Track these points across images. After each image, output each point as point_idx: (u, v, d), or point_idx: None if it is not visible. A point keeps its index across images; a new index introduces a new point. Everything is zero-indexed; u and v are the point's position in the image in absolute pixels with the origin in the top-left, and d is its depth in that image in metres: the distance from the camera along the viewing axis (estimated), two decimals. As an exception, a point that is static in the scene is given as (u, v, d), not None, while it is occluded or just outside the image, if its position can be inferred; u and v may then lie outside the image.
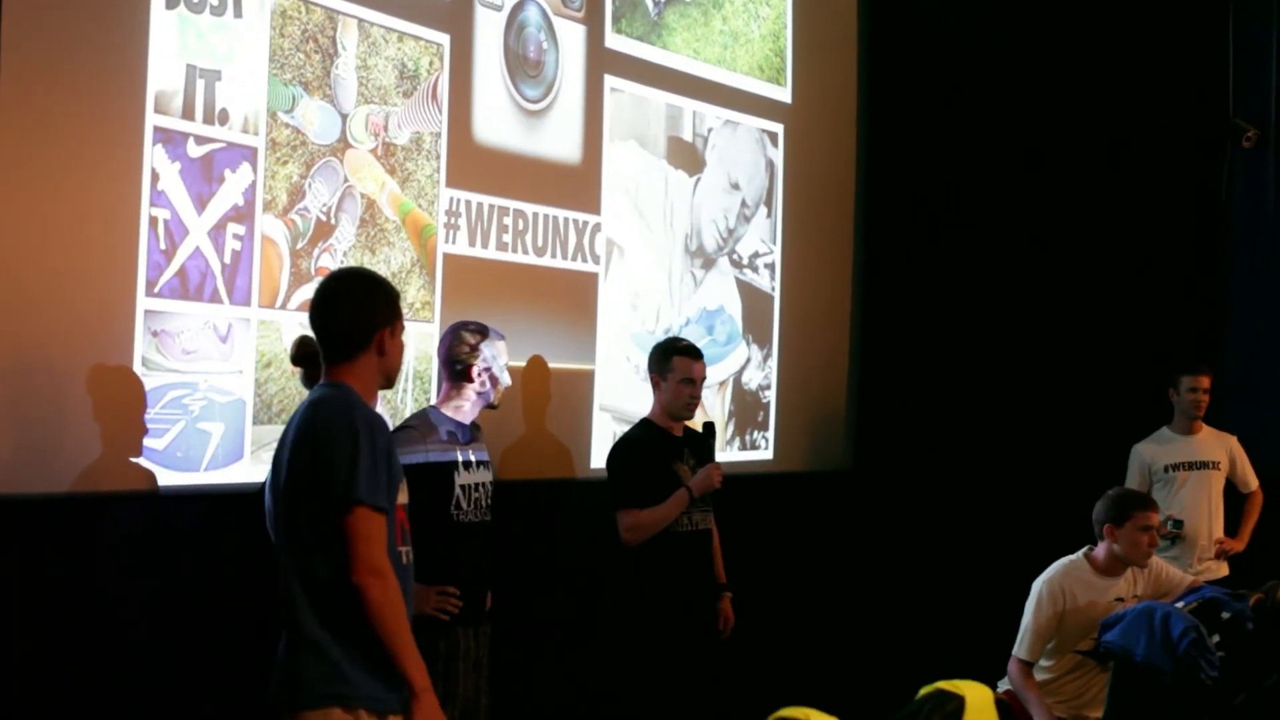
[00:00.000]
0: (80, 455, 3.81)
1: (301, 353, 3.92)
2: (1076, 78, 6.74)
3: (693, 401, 4.62)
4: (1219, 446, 5.82)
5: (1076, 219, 6.75)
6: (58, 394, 3.77)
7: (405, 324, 3.11)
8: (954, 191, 6.95)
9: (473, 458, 4.10)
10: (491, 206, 5.04)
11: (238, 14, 4.20)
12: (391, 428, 3.77)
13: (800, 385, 6.63)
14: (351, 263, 4.48)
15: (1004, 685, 4.42)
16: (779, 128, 6.52)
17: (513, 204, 5.13)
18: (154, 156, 3.97)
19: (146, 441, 3.93)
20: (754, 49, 6.38)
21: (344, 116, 4.52)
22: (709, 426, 4.75)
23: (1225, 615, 4.12)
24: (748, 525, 5.41)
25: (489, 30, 5.07)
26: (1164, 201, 6.62)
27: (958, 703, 2.73)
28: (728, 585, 4.71)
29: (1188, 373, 5.79)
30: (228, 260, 4.16)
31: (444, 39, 4.89)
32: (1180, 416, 5.82)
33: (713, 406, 6.00)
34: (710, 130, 6.13)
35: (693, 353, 4.63)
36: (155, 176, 3.97)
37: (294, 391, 4.25)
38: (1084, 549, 4.50)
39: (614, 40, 5.61)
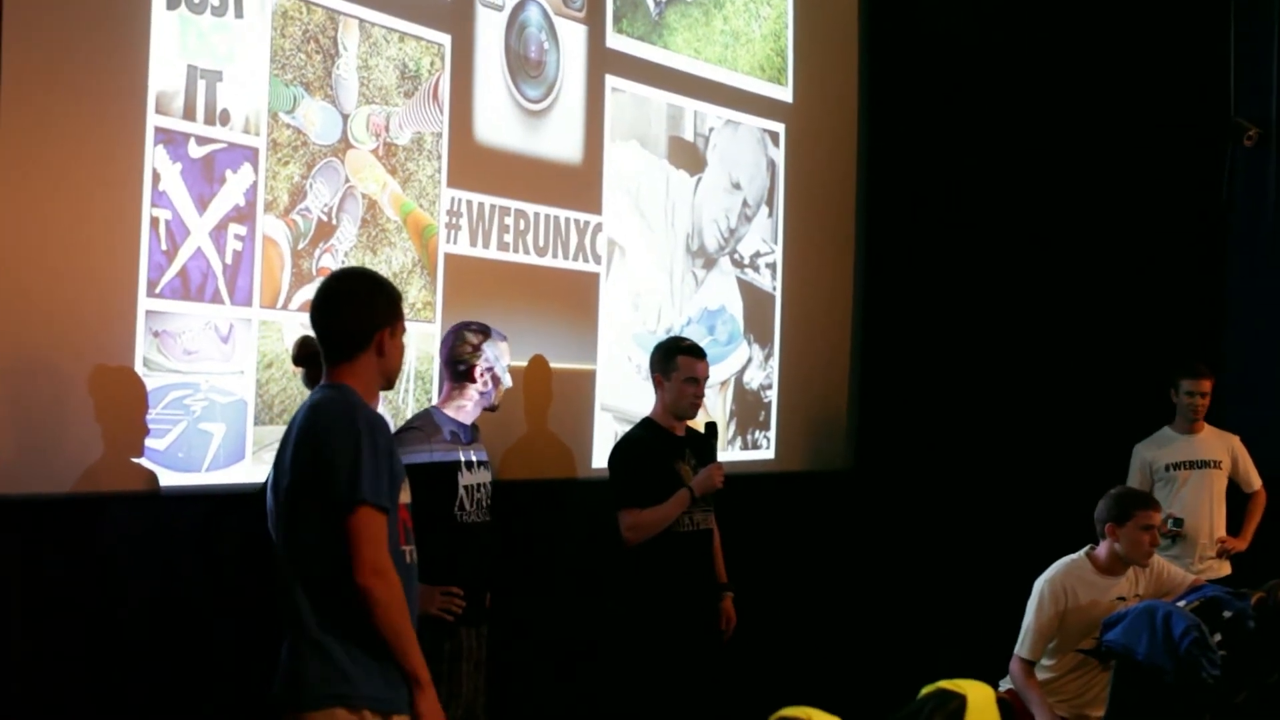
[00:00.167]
0: (81, 456, 3.81)
1: (303, 353, 3.93)
2: (1077, 77, 6.74)
3: (697, 401, 4.62)
4: (1221, 446, 5.82)
5: (1077, 219, 6.75)
6: (59, 394, 3.77)
7: (406, 324, 3.12)
8: (955, 191, 6.95)
9: (474, 458, 4.11)
10: (493, 206, 5.05)
11: (239, 14, 4.20)
12: (393, 428, 3.78)
13: (801, 385, 6.63)
14: (353, 263, 4.48)
15: (1006, 684, 4.42)
16: (780, 127, 6.52)
17: (514, 204, 5.13)
18: (155, 157, 3.97)
19: (148, 442, 3.94)
20: (755, 49, 6.38)
21: (345, 117, 4.52)
22: (711, 426, 4.75)
23: (1227, 614, 4.12)
24: (749, 525, 5.41)
25: (490, 30, 5.07)
26: (1164, 201, 6.62)
27: (959, 702, 2.73)
28: (729, 585, 4.71)
29: (1187, 376, 5.78)
30: (229, 261, 4.16)
31: (445, 39, 4.89)
32: (1181, 417, 5.82)
33: (714, 406, 6.00)
34: (711, 130, 6.13)
35: (696, 352, 4.63)
36: (156, 177, 3.97)
37: (295, 392, 4.25)
38: (1086, 548, 4.51)
39: (615, 40, 5.61)
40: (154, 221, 3.97)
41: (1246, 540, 5.76)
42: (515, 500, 4.80)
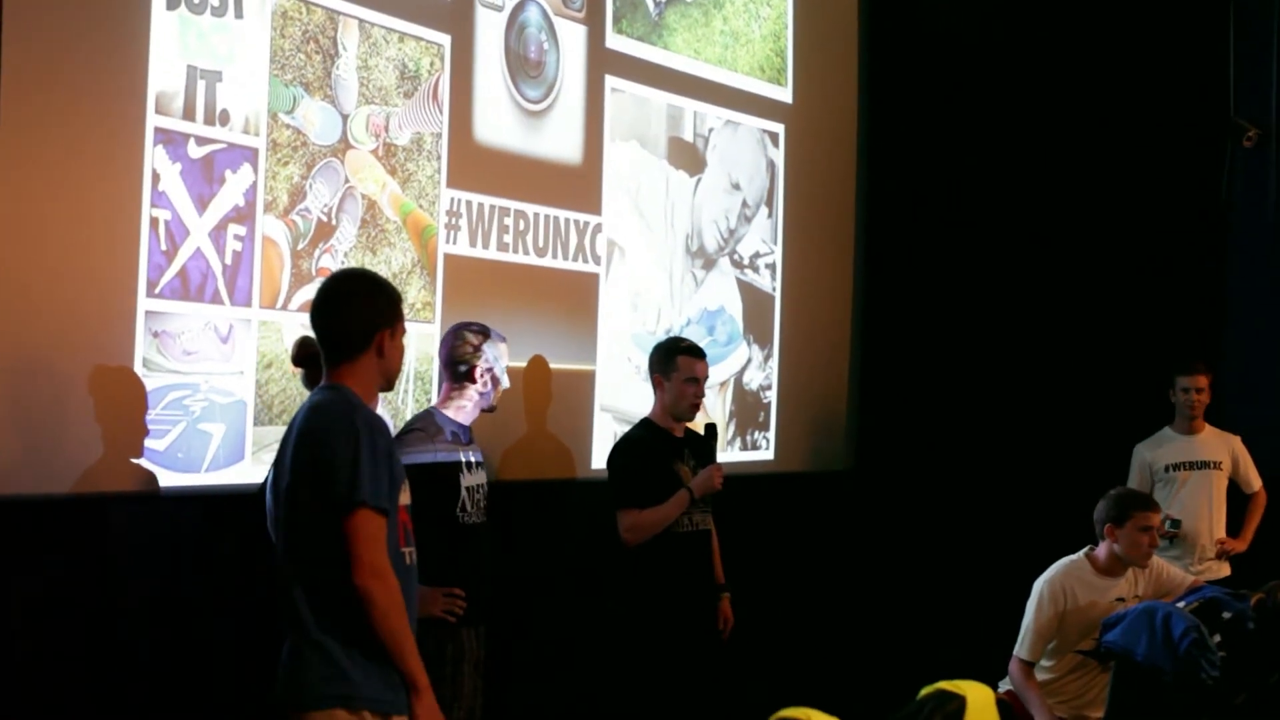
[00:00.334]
0: (81, 456, 3.81)
1: (302, 353, 3.93)
2: (1077, 77, 6.74)
3: (696, 401, 4.62)
4: (1221, 446, 5.81)
5: (1077, 219, 6.75)
6: (58, 395, 3.77)
7: (406, 325, 3.12)
8: (955, 191, 6.95)
9: (473, 458, 4.12)
10: (492, 207, 5.04)
11: (238, 15, 4.20)
12: (392, 429, 3.78)
13: (801, 385, 6.63)
14: (352, 263, 4.48)
15: (1005, 685, 4.42)
16: (780, 128, 6.52)
17: (514, 204, 5.13)
18: (155, 157, 3.97)
19: (147, 442, 3.94)
20: (755, 49, 6.38)
21: (345, 117, 4.52)
22: (710, 428, 4.74)
23: (1226, 615, 4.12)
24: (749, 526, 5.42)
25: (490, 30, 5.07)
26: (1164, 201, 6.62)
27: (959, 703, 2.73)
28: (726, 586, 4.71)
29: (1183, 373, 5.78)
30: (229, 261, 4.16)
31: (445, 39, 4.89)
32: (1180, 416, 5.82)
33: (713, 407, 6.00)
34: (711, 130, 6.13)
35: (696, 352, 4.63)
36: (156, 177, 3.97)
37: (295, 392, 4.25)
38: (1085, 549, 4.50)
39: (615, 40, 5.61)
40: (154, 222, 3.97)
41: (1246, 541, 5.76)
42: (515, 501, 4.81)
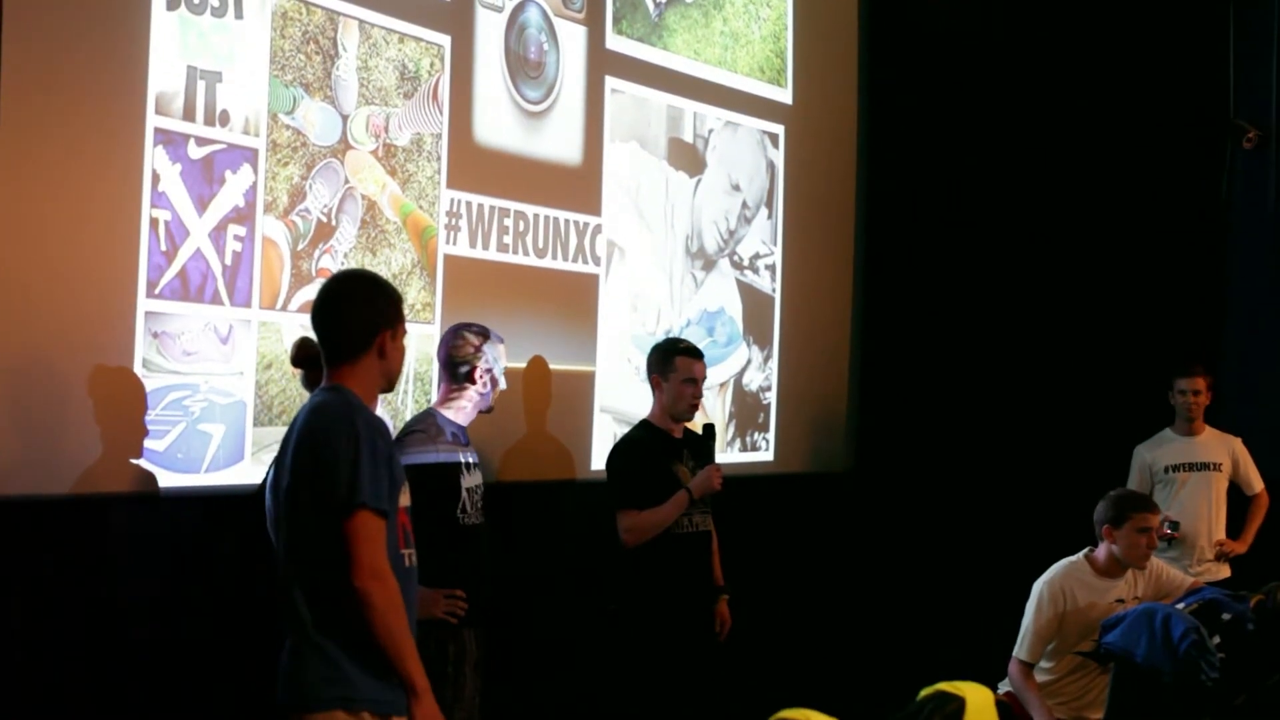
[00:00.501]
0: (81, 457, 3.81)
1: (302, 354, 3.93)
2: (1077, 78, 6.75)
3: (695, 402, 4.62)
4: (1221, 448, 5.81)
5: (1077, 219, 6.76)
6: (58, 395, 3.77)
7: (406, 326, 3.12)
8: (955, 192, 6.95)
9: (471, 459, 4.12)
10: (492, 208, 5.05)
11: (238, 15, 4.20)
12: (392, 430, 3.78)
13: (801, 386, 6.63)
14: (352, 264, 4.48)
15: (1005, 686, 4.42)
16: (779, 129, 6.52)
17: (513, 205, 5.13)
18: (155, 158, 3.97)
19: (147, 443, 3.94)
20: (754, 50, 6.38)
21: (345, 118, 4.52)
22: (709, 428, 4.75)
23: (1226, 616, 4.12)
24: (749, 527, 5.41)
25: (490, 31, 5.07)
26: (1164, 201, 6.62)
27: (958, 704, 2.74)
28: (725, 588, 4.71)
29: (1180, 374, 5.79)
30: (228, 262, 4.16)
31: (445, 40, 4.89)
32: (1179, 418, 5.82)
33: (713, 408, 6.00)
34: (711, 131, 6.13)
35: (694, 353, 4.63)
36: (156, 178, 3.97)
37: (295, 393, 4.25)
38: (1084, 550, 4.50)
39: (615, 41, 5.61)
40: (153, 222, 3.97)
41: (1247, 543, 5.75)
42: (515, 501, 4.81)
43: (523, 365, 5.06)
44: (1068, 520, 4.88)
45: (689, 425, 4.72)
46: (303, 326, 4.14)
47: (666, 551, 4.47)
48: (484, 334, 4.15)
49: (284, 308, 4.32)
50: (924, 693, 2.80)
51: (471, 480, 4.08)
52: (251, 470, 4.16)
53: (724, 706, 4.54)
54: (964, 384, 6.84)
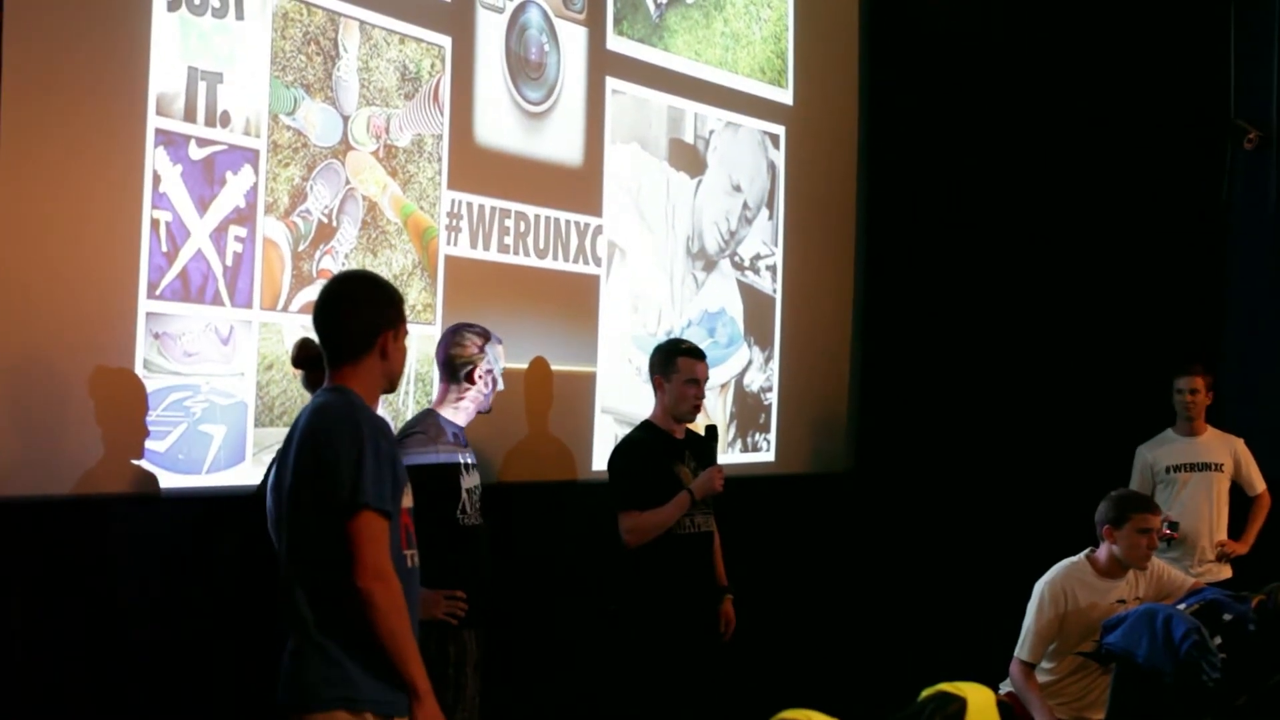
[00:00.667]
0: (82, 457, 3.81)
1: (303, 355, 3.93)
2: (1078, 78, 6.75)
3: (698, 403, 4.61)
4: (1223, 448, 5.81)
5: (1078, 220, 6.76)
6: (59, 396, 3.77)
7: (408, 327, 3.11)
8: (955, 192, 6.95)
9: (470, 460, 4.12)
10: (493, 209, 5.05)
11: (239, 16, 4.20)
12: (394, 430, 3.77)
13: (802, 387, 6.63)
14: (353, 265, 4.48)
15: (1006, 687, 4.42)
16: (780, 129, 6.52)
17: (514, 206, 5.13)
18: (155, 159, 3.97)
19: (148, 444, 3.94)
20: (755, 51, 6.39)
21: (345, 119, 4.52)
22: (711, 429, 4.74)
23: (1227, 617, 4.12)
24: (750, 527, 5.41)
25: (490, 32, 5.07)
26: (1165, 202, 6.63)
27: (959, 704, 2.74)
28: (729, 588, 4.71)
29: (1179, 374, 5.80)
30: (229, 262, 4.16)
31: (445, 41, 4.89)
32: (1180, 418, 5.82)
33: (714, 409, 6.00)
34: (712, 132, 6.13)
35: (696, 353, 4.63)
36: (157, 179, 3.97)
37: (296, 394, 4.25)
38: (1086, 551, 4.50)
39: (615, 42, 5.62)
40: (154, 223, 3.97)
41: (1248, 544, 5.75)
42: (516, 502, 4.81)
43: (524, 366, 5.06)
44: (1069, 521, 4.88)
45: (691, 426, 4.72)
46: (304, 327, 4.15)
47: (668, 552, 4.47)
48: (484, 335, 4.15)
49: (285, 309, 4.32)
50: (925, 693, 2.80)
51: (471, 481, 4.08)
52: (253, 471, 4.16)
53: (725, 707, 4.54)
54: (964, 385, 6.84)
